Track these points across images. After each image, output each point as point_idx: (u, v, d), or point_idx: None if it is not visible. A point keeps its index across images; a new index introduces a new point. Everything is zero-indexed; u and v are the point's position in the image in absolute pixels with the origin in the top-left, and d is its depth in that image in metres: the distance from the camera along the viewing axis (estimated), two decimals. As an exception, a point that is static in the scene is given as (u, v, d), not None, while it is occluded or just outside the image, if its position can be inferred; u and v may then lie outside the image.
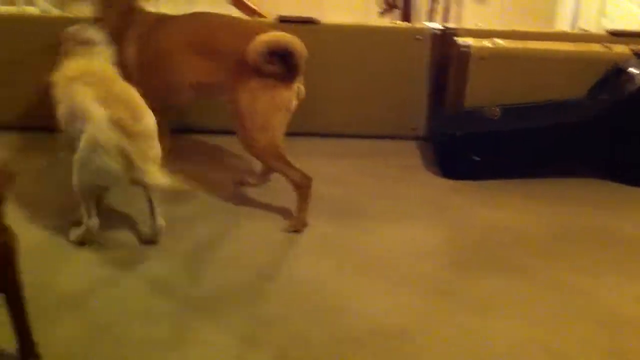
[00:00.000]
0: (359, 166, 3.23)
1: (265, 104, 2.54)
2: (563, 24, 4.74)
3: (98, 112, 2.26)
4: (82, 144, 2.29)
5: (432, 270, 2.43)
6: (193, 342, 2.00)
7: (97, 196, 2.45)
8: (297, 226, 2.64)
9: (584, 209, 2.92)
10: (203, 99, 2.89)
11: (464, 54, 3.25)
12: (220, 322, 2.11)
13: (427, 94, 3.47)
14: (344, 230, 2.67)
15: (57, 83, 2.48)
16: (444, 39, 3.41)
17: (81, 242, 2.45)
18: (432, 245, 2.60)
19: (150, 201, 2.45)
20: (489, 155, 3.12)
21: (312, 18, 3.31)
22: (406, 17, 5.11)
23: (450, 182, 3.10)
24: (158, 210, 2.47)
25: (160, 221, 2.48)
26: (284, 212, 2.73)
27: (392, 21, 4.79)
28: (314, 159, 3.07)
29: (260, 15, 4.08)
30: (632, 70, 3.11)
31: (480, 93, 3.26)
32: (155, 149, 2.36)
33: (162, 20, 2.79)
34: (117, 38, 2.70)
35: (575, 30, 3.76)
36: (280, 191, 2.77)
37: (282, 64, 2.49)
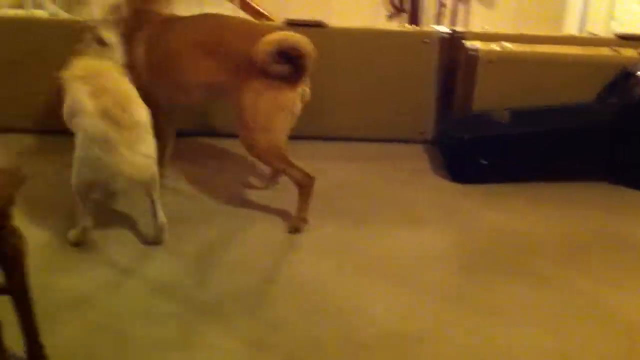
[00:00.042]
0: (366, 170, 3.23)
1: (269, 105, 2.54)
2: (571, 28, 4.73)
3: (89, 104, 2.29)
4: (78, 139, 2.32)
5: (441, 275, 2.42)
6: (200, 345, 2.00)
7: (94, 197, 2.48)
8: (298, 224, 2.64)
9: (593, 213, 2.90)
10: (211, 101, 2.90)
11: (472, 58, 3.24)
12: (227, 325, 2.10)
13: (435, 97, 3.46)
14: (352, 233, 2.66)
15: (63, 82, 2.50)
16: (452, 42, 3.40)
17: (77, 243, 2.46)
18: (441, 249, 2.60)
19: (151, 200, 2.45)
20: (497, 159, 3.11)
21: (319, 21, 3.31)
22: (414, 20, 5.12)
23: (459, 186, 3.09)
24: (159, 207, 2.46)
25: (162, 219, 2.47)
26: (290, 215, 2.72)
27: (400, 25, 4.80)
28: (321, 163, 3.07)
29: (267, 18, 4.09)
30: (641, 74, 3.10)
31: (488, 97, 3.26)
32: (147, 142, 2.35)
33: (172, 20, 2.80)
34: (128, 39, 2.71)
35: (584, 34, 3.75)
36: (286, 193, 2.76)
37: (289, 65, 2.49)
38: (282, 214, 2.75)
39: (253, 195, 2.91)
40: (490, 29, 3.53)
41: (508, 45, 3.27)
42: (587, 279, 2.43)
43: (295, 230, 2.64)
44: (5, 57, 3.32)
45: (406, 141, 3.47)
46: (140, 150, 2.29)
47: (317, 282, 2.34)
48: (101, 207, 2.71)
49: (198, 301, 2.22)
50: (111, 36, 2.67)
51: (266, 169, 2.97)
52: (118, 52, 2.66)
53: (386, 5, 5.14)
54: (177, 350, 1.98)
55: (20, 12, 3.77)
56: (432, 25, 4.28)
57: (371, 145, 3.44)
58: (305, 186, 2.63)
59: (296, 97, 2.56)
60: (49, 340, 1.83)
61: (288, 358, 1.97)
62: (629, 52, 3.27)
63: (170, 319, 2.12)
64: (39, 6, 3.91)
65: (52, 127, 3.15)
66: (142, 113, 2.37)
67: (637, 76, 3.10)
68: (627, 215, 2.92)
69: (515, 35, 3.42)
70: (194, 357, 1.95)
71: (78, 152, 2.33)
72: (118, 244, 2.50)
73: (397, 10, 5.24)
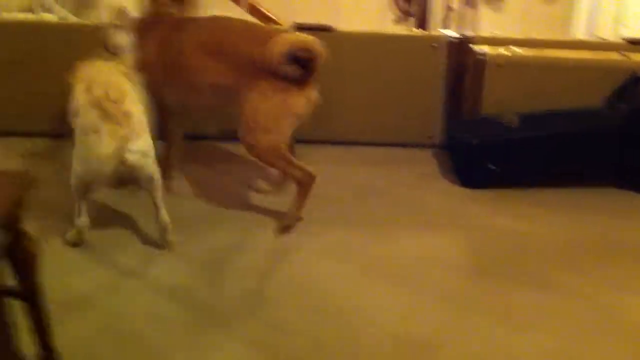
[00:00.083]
0: (374, 173, 3.23)
1: (276, 107, 2.54)
2: (579, 32, 4.72)
3: (82, 98, 2.34)
4: (75, 136, 2.35)
5: (451, 280, 2.42)
6: (205, 347, 2.00)
7: (92, 197, 2.48)
8: (290, 221, 2.64)
9: (600, 218, 2.89)
10: (221, 106, 2.90)
11: (481, 62, 3.24)
12: (232, 326, 2.11)
13: (443, 101, 3.46)
14: (361, 238, 2.66)
15: (69, 85, 2.52)
16: (460, 46, 3.40)
17: (75, 243, 2.47)
18: (451, 254, 2.59)
19: (154, 201, 2.45)
20: (506, 164, 3.10)
21: (327, 25, 3.32)
22: (422, 24, 5.11)
23: (467, 191, 3.08)
24: (162, 207, 2.46)
25: (164, 218, 2.46)
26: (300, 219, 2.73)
27: (408, 29, 4.80)
28: (330, 166, 3.07)
29: (275, 22, 4.10)
30: (650, 78, 3.10)
31: (496, 101, 3.26)
32: (141, 139, 2.33)
33: (183, 22, 2.80)
34: (141, 40, 2.73)
35: (592, 38, 3.75)
36: (290, 200, 2.76)
37: (298, 67, 2.49)
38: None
39: (260, 198, 2.91)
40: (498, 33, 3.53)
41: (516, 49, 3.27)
42: (594, 284, 2.42)
43: (286, 227, 2.63)
44: (14, 60, 3.33)
45: (414, 145, 3.47)
46: (132, 147, 2.29)
47: (324, 285, 2.34)
48: (107, 209, 2.72)
49: (203, 303, 2.22)
50: (122, 38, 2.68)
51: (274, 173, 2.97)
52: (128, 53, 2.68)
53: (393, 9, 5.14)
54: (182, 351, 1.98)
55: (29, 16, 3.79)
56: (440, 30, 4.27)
57: (379, 149, 3.45)
58: (305, 184, 2.63)
59: (304, 100, 2.56)
60: (57, 341, 1.83)
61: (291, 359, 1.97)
62: (638, 57, 3.26)
63: (176, 321, 2.12)
64: (48, 10, 3.93)
65: (55, 130, 3.19)
66: (134, 108, 2.37)
67: (646, 81, 3.10)
68: (636, 220, 2.91)
69: (524, 39, 3.41)
70: (199, 358, 1.96)
71: (75, 150, 2.35)
72: (124, 246, 2.51)
73: (405, 15, 5.24)
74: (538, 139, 3.10)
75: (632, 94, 3.13)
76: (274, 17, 4.20)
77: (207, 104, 2.87)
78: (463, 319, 2.20)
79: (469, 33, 3.65)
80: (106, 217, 2.68)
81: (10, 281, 1.72)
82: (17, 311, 1.73)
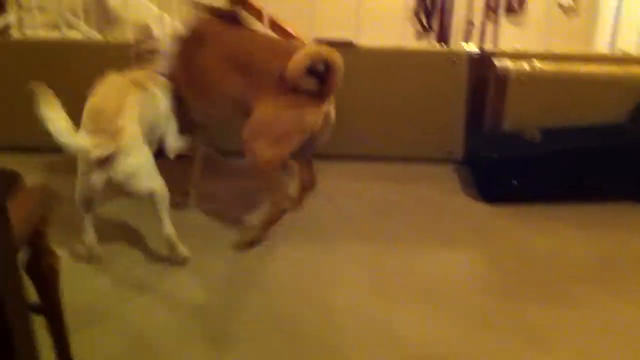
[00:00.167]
0: (395, 189, 3.21)
1: (288, 121, 2.51)
2: (602, 46, 4.68)
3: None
4: None
5: (471, 297, 2.40)
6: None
7: (93, 210, 2.51)
8: (252, 238, 2.63)
9: (624, 235, 2.84)
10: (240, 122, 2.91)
11: (503, 77, 3.22)
12: (253, 345, 2.11)
13: (464, 116, 3.45)
14: (378, 253, 2.65)
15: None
16: (481, 61, 3.39)
17: (86, 258, 2.50)
18: (470, 271, 2.57)
19: (158, 214, 2.46)
20: (528, 179, 3.07)
21: (348, 41, 3.33)
22: (442, 39, 5.11)
23: (489, 206, 3.05)
24: (165, 219, 2.46)
25: (167, 230, 2.47)
26: (315, 237, 2.72)
27: (429, 43, 4.79)
28: (350, 182, 3.07)
29: (296, 38, 4.11)
30: (674, 93, 3.06)
31: (518, 116, 3.23)
32: (132, 157, 2.34)
33: (206, 34, 2.81)
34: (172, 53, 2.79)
35: (615, 52, 3.71)
36: (311, 216, 2.76)
37: (317, 81, 2.48)
38: (308, 235, 2.75)
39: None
40: (520, 47, 3.51)
41: (538, 63, 3.25)
42: (623, 302, 2.38)
43: (247, 244, 2.62)
44: (38, 77, 3.37)
45: (435, 160, 3.45)
46: (118, 165, 2.30)
47: (341, 301, 2.33)
48: (122, 221, 2.75)
49: (219, 318, 2.23)
50: (163, 45, 2.74)
51: (293, 191, 2.96)
52: (162, 62, 2.72)
53: (414, 24, 5.15)
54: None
55: (54, 33, 3.85)
56: (461, 44, 4.26)
57: (400, 164, 3.43)
58: (277, 211, 2.62)
59: (320, 116, 2.54)
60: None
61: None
62: (662, 71, 3.22)
63: (192, 336, 2.13)
64: (73, 27, 3.99)
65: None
66: (129, 126, 2.37)
67: (670, 95, 3.06)
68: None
69: (546, 53, 3.39)
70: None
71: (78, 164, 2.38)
72: (137, 259, 2.54)
73: (424, 29, 5.24)
74: (560, 153, 3.06)
75: (656, 108, 3.09)
76: (294, 34, 4.22)
77: (228, 118, 2.88)
78: (484, 336, 2.17)
79: (490, 47, 3.64)
80: (119, 230, 2.70)
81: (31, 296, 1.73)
82: (38, 327, 1.74)
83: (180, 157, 2.81)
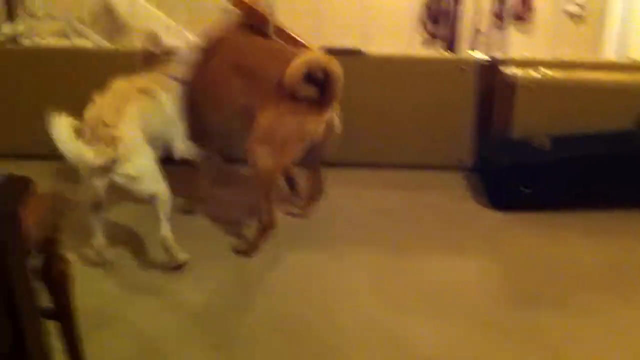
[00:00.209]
0: (404, 196, 3.21)
1: (290, 130, 2.50)
2: (610, 53, 4.67)
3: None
4: None
5: (482, 305, 2.39)
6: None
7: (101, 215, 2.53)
8: (247, 250, 2.63)
9: (635, 243, 2.83)
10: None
11: (511, 84, 3.22)
12: (259, 349, 2.11)
13: (473, 124, 3.44)
14: (388, 261, 2.65)
15: None
16: (490, 68, 3.39)
17: (97, 263, 2.51)
18: (483, 278, 2.56)
19: (157, 215, 2.47)
20: (538, 186, 3.06)
21: (357, 49, 3.33)
22: (450, 46, 5.10)
23: (499, 214, 3.04)
24: (163, 219, 2.47)
25: (163, 233, 2.47)
26: (323, 244, 2.72)
27: (437, 51, 4.79)
28: (359, 189, 3.07)
29: (304, 46, 4.12)
30: (683, 100, 3.05)
31: (526, 123, 3.22)
32: (132, 163, 2.37)
33: (220, 43, 2.82)
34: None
35: (623, 60, 3.71)
36: (319, 219, 2.75)
37: (317, 89, 2.47)
38: (316, 242, 2.75)
39: (288, 221, 2.90)
40: (528, 55, 3.51)
41: (546, 71, 3.25)
42: (631, 309, 2.38)
43: (243, 252, 2.62)
44: (47, 86, 3.39)
45: (445, 168, 3.45)
46: (119, 170, 2.34)
47: (358, 311, 2.33)
48: (130, 226, 2.76)
49: (225, 322, 2.23)
50: (183, 44, 2.78)
51: (303, 197, 2.97)
52: (177, 65, 2.74)
53: (421, 32, 5.14)
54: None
55: (63, 42, 3.87)
56: (469, 52, 4.27)
57: (409, 172, 3.43)
58: (265, 228, 2.61)
59: (321, 126, 2.52)
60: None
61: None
62: (670, 78, 3.22)
63: (198, 340, 2.13)
64: (81, 36, 4.01)
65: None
66: (128, 132, 2.40)
67: (679, 102, 3.05)
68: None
69: (554, 61, 3.39)
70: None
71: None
72: (144, 263, 2.55)
73: (432, 37, 5.24)
74: (570, 161, 3.06)
75: (666, 115, 3.09)
76: (302, 41, 4.22)
77: (237, 126, 2.89)
78: (495, 345, 2.17)
79: (498, 55, 3.64)
80: (128, 234, 2.71)
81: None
82: (50, 332, 1.74)
83: (185, 161, 2.81)
